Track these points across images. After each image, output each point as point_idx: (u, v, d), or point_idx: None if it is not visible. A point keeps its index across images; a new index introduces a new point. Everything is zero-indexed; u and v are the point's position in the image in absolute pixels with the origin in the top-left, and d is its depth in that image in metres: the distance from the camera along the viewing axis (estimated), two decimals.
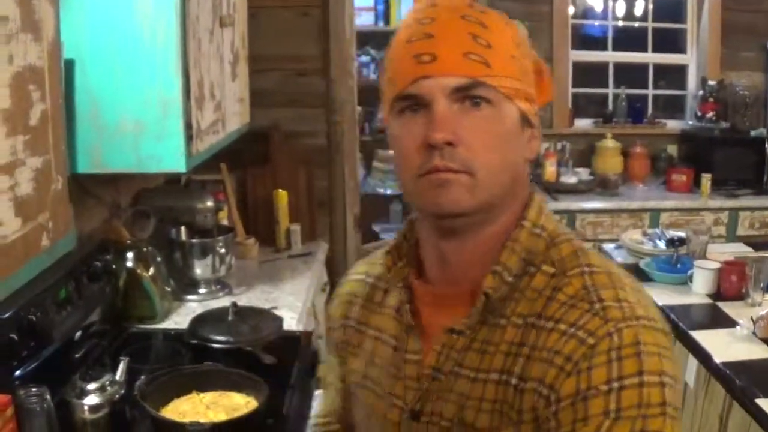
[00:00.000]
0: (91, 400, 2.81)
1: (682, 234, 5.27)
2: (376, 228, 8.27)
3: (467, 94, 1.57)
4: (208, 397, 2.97)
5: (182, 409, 2.90)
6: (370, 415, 1.84)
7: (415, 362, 1.72)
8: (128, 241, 3.82)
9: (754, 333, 3.84)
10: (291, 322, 3.84)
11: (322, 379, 2.17)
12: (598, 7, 7.72)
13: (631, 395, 1.43)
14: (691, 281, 4.55)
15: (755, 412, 3.25)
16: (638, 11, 7.76)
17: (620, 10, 7.77)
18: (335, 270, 5.67)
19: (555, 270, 1.61)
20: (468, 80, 1.56)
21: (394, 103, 1.67)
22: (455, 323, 1.64)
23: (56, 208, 2.20)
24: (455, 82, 1.56)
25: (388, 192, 8.30)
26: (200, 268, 4.24)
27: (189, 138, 3.22)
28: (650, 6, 7.78)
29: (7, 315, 2.79)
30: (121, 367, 2.98)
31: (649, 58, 7.90)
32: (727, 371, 3.55)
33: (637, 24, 7.82)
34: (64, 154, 2.30)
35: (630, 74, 7.95)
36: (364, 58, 7.92)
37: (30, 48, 2.04)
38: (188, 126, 3.21)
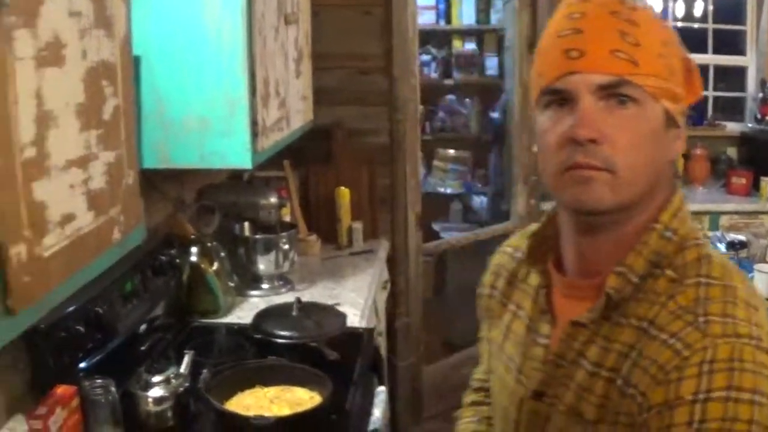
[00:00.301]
0: (156, 392, 2.85)
1: (742, 237, 5.21)
2: (436, 227, 8.25)
3: (613, 92, 1.58)
4: (272, 391, 2.99)
5: (246, 402, 2.92)
6: (501, 385, 1.91)
7: (543, 346, 1.79)
8: (193, 236, 3.86)
9: None
10: (353, 319, 3.86)
11: (481, 339, 2.18)
12: (658, 8, 7.66)
13: (717, 408, 1.42)
14: None
15: None
16: (698, 12, 7.69)
17: (680, 10, 7.71)
18: (396, 268, 5.68)
19: (676, 276, 1.60)
20: (614, 78, 1.57)
21: (541, 97, 1.68)
22: (581, 315, 1.68)
23: (127, 201, 2.23)
24: (601, 79, 1.57)
25: (449, 191, 8.29)
26: (263, 264, 4.26)
27: (254, 135, 3.25)
28: (710, 7, 7.71)
29: (74, 307, 2.83)
30: (186, 360, 3.02)
31: (709, 59, 7.82)
32: None
33: (696, 25, 7.75)
34: (135, 149, 2.32)
35: None
36: (425, 57, 7.91)
37: (103, 44, 2.07)
38: (254, 123, 3.24)
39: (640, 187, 1.62)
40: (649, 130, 1.60)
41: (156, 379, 2.86)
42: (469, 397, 2.31)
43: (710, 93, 7.86)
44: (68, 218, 1.87)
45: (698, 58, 7.77)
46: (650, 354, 1.52)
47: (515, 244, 2.05)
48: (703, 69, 7.80)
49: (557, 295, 1.82)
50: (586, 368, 1.65)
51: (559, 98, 1.63)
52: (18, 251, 1.64)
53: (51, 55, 1.77)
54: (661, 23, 1.68)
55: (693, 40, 7.79)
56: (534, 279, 1.89)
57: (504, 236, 6.67)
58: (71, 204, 1.89)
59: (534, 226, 1.93)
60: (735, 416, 1.41)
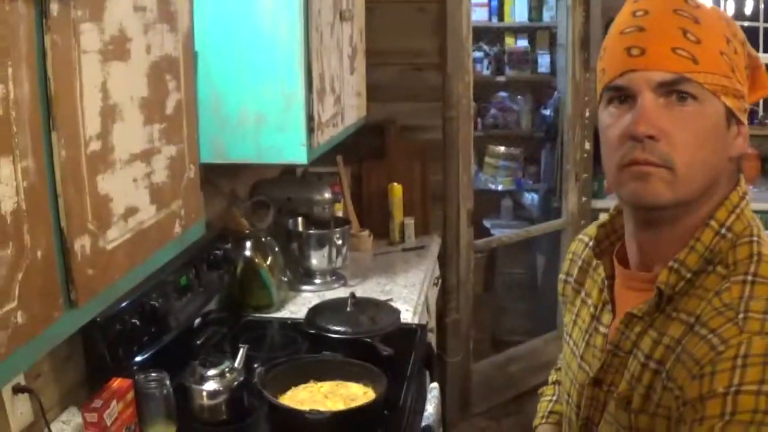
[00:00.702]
0: (210, 386, 2.86)
1: None
2: (487, 224, 8.24)
3: (673, 89, 1.60)
4: (326, 386, 3.00)
5: (300, 397, 2.93)
6: (566, 369, 2.01)
7: (603, 334, 1.85)
8: (247, 231, 3.87)
9: None
10: (406, 315, 3.85)
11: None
12: (708, 4, 7.57)
13: (748, 401, 1.43)
14: None
15: None
16: (748, 10, 7.61)
17: (730, 9, 7.63)
18: (447, 264, 5.67)
19: (726, 273, 1.62)
20: (674, 76, 1.59)
21: (603, 93, 1.73)
22: (635, 308, 1.72)
23: (188, 196, 2.24)
24: (661, 77, 1.59)
25: (500, 188, 8.26)
26: (316, 259, 4.27)
27: (310, 130, 3.25)
28: (761, 5, 7.62)
29: (130, 301, 2.85)
30: (241, 354, 3.03)
31: (762, 58, 7.72)
32: None
33: (746, 23, 7.67)
34: (197, 143, 2.34)
35: None
36: (478, 54, 7.89)
37: (166, 38, 2.08)
38: (310, 118, 3.24)
39: (698, 184, 1.64)
40: (708, 128, 1.62)
41: (210, 372, 2.87)
42: (553, 376, 2.43)
43: None
44: (131, 211, 1.89)
45: None
46: (690, 349, 1.55)
47: (591, 234, 2.07)
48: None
49: (619, 287, 1.86)
50: (639, 359, 1.69)
51: (621, 95, 1.66)
52: (82, 244, 1.65)
53: (116, 49, 1.79)
54: (725, 21, 1.69)
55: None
56: (601, 270, 1.94)
57: (555, 234, 6.69)
58: (134, 197, 1.91)
59: (604, 218, 1.97)
60: (767, 409, 1.42)
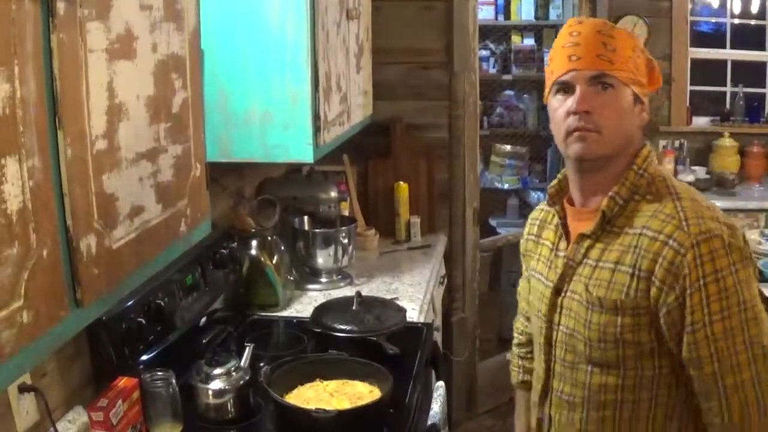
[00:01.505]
0: (216, 385, 2.86)
1: None
2: (493, 222, 8.23)
3: (598, 81, 2.33)
4: (332, 385, 3.00)
5: (306, 396, 2.93)
6: (535, 294, 2.64)
7: (562, 256, 2.52)
8: (253, 230, 3.87)
9: None
10: (412, 314, 3.86)
11: (518, 292, 2.96)
12: (715, 3, 7.58)
13: (713, 287, 2.17)
14: None
15: None
16: (754, 9, 7.59)
17: (737, 7, 7.61)
18: (453, 263, 5.67)
19: (653, 198, 2.35)
20: (599, 72, 2.32)
21: (552, 87, 2.42)
22: (585, 229, 2.43)
23: (194, 195, 2.24)
24: (591, 73, 2.33)
25: (506, 186, 8.26)
26: (322, 258, 4.27)
27: (317, 129, 3.26)
28: (767, 4, 7.61)
29: (135, 300, 2.85)
30: (247, 353, 3.03)
31: (766, 56, 7.70)
32: None
33: (753, 22, 7.65)
34: (203, 142, 2.33)
35: (748, 72, 7.75)
36: (484, 52, 7.89)
37: (172, 37, 2.08)
38: (316, 117, 3.25)
39: (618, 143, 2.37)
40: (623, 106, 2.36)
41: (216, 371, 2.88)
42: (516, 339, 3.07)
43: (767, 90, 7.76)
44: (137, 210, 1.89)
45: (754, 54, 7.67)
46: (655, 250, 2.24)
47: (543, 205, 2.77)
48: (759, 66, 7.73)
49: (570, 221, 2.56)
50: (590, 264, 2.40)
51: (565, 87, 2.38)
52: (88, 243, 1.65)
53: (122, 47, 1.79)
54: (632, 38, 2.43)
55: (749, 36, 7.72)
56: (555, 220, 2.62)
57: None
58: (140, 196, 1.91)
59: (553, 182, 2.63)
60: (725, 287, 2.17)
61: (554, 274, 2.52)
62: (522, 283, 2.88)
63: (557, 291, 2.49)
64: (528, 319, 2.86)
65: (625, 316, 2.27)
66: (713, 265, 2.17)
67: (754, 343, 2.17)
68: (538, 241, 2.70)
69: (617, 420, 2.36)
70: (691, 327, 2.18)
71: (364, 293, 3.64)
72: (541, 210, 2.77)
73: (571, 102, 2.34)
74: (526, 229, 2.81)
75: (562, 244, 2.54)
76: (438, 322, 4.87)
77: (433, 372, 3.68)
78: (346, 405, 2.84)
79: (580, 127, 2.32)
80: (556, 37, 2.49)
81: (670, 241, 2.20)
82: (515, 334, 3.03)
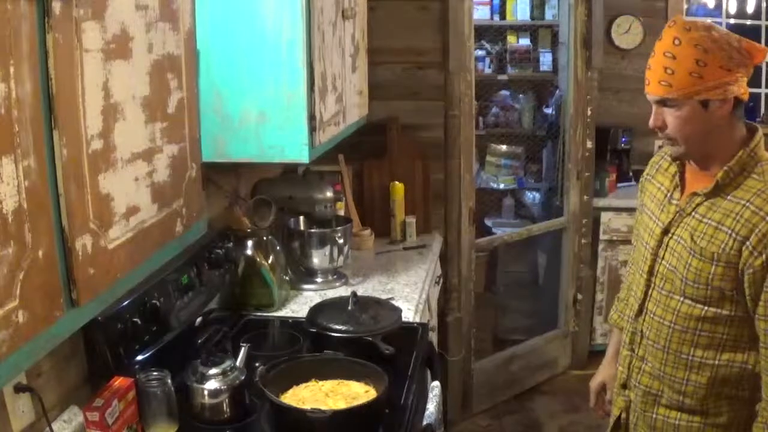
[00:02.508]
0: (212, 385, 2.86)
1: None
2: (488, 222, 8.24)
3: (662, 103, 2.78)
4: (328, 385, 3.00)
5: (302, 396, 2.93)
6: (645, 228, 3.10)
7: (675, 204, 2.96)
8: (248, 230, 3.87)
9: None
10: (407, 314, 3.85)
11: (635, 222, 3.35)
12: (711, 3, 7.58)
13: None
14: None
15: None
16: (750, 8, 7.59)
17: (732, 6, 7.60)
18: (448, 263, 5.67)
19: (759, 178, 2.74)
20: (660, 97, 2.77)
21: None
22: (699, 189, 2.85)
23: (190, 195, 2.24)
24: (655, 98, 2.80)
25: (501, 186, 8.26)
26: (318, 258, 4.27)
27: (312, 129, 3.25)
28: (763, 3, 7.59)
29: (131, 300, 2.85)
30: (242, 353, 3.03)
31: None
32: None
33: (749, 22, 7.65)
34: (199, 142, 2.34)
35: None
36: (479, 52, 7.88)
37: (168, 37, 2.08)
38: (312, 117, 3.25)
39: (697, 144, 2.82)
40: (689, 117, 2.75)
41: (212, 371, 2.87)
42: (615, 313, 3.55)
43: (763, 90, 7.77)
44: (133, 210, 1.89)
45: None
46: (754, 221, 2.65)
47: (666, 151, 3.13)
48: (756, 66, 7.65)
49: (688, 176, 2.98)
50: (696, 218, 2.84)
51: None
52: (84, 243, 1.65)
53: (118, 47, 1.79)
54: (698, 49, 2.69)
55: (745, 36, 7.66)
56: (672, 169, 3.04)
57: (556, 233, 6.69)
58: (136, 196, 1.91)
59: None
60: None
61: (665, 216, 2.98)
62: (637, 217, 3.31)
63: (666, 231, 2.96)
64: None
65: (719, 266, 2.74)
66: None
67: None
68: (652, 182, 3.18)
69: (694, 343, 2.87)
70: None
71: (359, 293, 3.63)
72: (662, 156, 3.21)
73: (651, 117, 2.87)
74: (647, 170, 3.29)
75: (676, 194, 2.99)
76: (434, 322, 4.87)
77: (429, 372, 3.68)
78: (341, 405, 2.84)
79: (662, 137, 2.89)
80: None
81: (761, 212, 2.65)
82: (624, 286, 3.50)
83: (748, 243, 2.67)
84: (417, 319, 3.94)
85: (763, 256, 2.64)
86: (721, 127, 2.79)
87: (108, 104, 1.74)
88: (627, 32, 7.22)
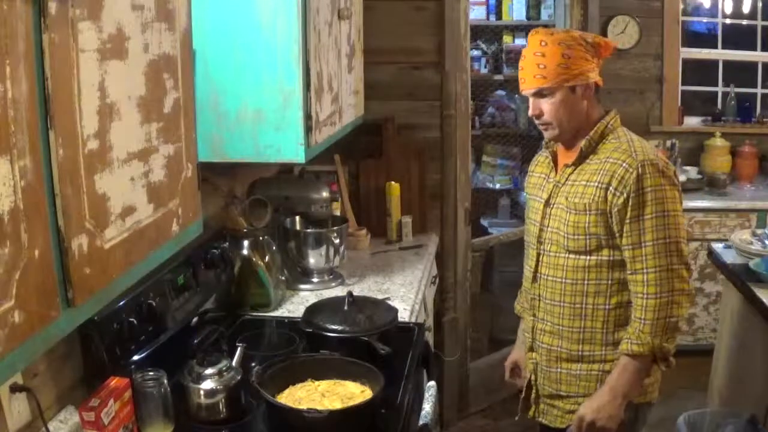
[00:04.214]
0: (208, 384, 2.86)
1: None
2: (484, 222, 8.24)
3: (539, 93, 3.29)
4: (323, 385, 3.00)
5: (298, 396, 2.93)
6: (532, 209, 3.55)
7: (552, 181, 3.44)
8: (244, 230, 3.87)
9: None
10: (403, 314, 3.85)
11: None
12: (707, 3, 7.58)
13: (650, 195, 3.15)
14: None
15: None
16: (746, 9, 7.59)
17: (728, 7, 7.60)
18: (444, 263, 5.67)
19: (615, 140, 3.30)
20: (536, 89, 3.28)
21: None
22: (568, 161, 3.37)
23: (186, 195, 2.24)
24: (532, 90, 3.30)
25: (497, 186, 8.26)
26: (314, 258, 4.28)
27: (308, 129, 3.26)
28: (759, 3, 7.59)
29: (127, 300, 2.85)
30: (238, 353, 3.03)
31: (758, 56, 7.70)
32: None
33: (745, 22, 7.66)
34: (195, 142, 2.34)
35: (739, 72, 7.78)
36: (475, 52, 7.87)
37: (164, 37, 2.08)
38: (308, 117, 3.25)
39: (570, 124, 3.33)
40: (562, 102, 3.27)
41: (208, 371, 2.88)
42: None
43: (759, 90, 7.78)
44: (129, 210, 1.89)
45: (745, 54, 7.69)
46: (613, 169, 3.19)
47: (540, 153, 3.68)
48: (751, 66, 7.76)
49: (559, 158, 3.48)
50: (569, 184, 3.33)
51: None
52: (80, 243, 1.65)
53: (114, 47, 1.79)
54: (563, 45, 3.24)
55: (741, 36, 7.72)
56: (545, 158, 3.58)
57: None
58: (132, 196, 1.91)
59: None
60: (655, 197, 3.16)
61: (545, 192, 3.45)
62: (526, 210, 3.71)
63: (547, 203, 3.43)
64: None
65: (591, 215, 3.24)
66: (650, 181, 3.15)
67: (671, 241, 3.17)
68: (532, 175, 3.65)
69: (584, 293, 3.31)
70: (629, 219, 3.17)
71: (355, 293, 3.63)
72: (538, 155, 3.70)
73: (529, 108, 3.39)
74: (529, 169, 3.74)
75: (552, 174, 3.48)
76: (430, 322, 4.87)
77: (425, 372, 3.68)
78: (337, 405, 2.84)
79: (539, 124, 3.39)
80: None
81: (624, 164, 3.19)
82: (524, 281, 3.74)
83: (611, 187, 3.19)
84: (413, 319, 3.94)
85: (624, 194, 3.16)
86: (585, 108, 3.34)
87: (104, 104, 1.74)
88: (623, 32, 7.24)
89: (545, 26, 7.78)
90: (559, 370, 3.44)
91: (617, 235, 3.22)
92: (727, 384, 5.00)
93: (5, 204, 1.37)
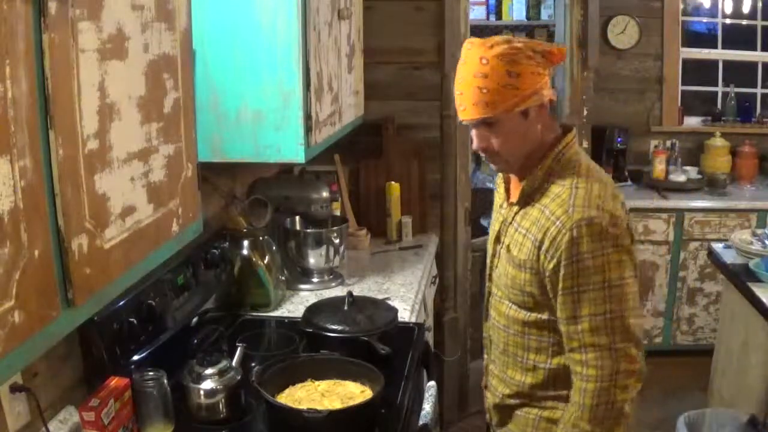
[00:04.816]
0: (208, 384, 2.86)
1: None
2: (484, 222, 8.21)
3: (482, 123, 2.75)
4: (323, 385, 3.00)
5: (298, 396, 2.93)
6: (490, 235, 3.15)
7: (503, 214, 3.02)
8: (244, 230, 3.87)
9: None
10: (403, 314, 3.85)
11: None
12: (707, 3, 7.58)
13: (584, 264, 2.63)
14: None
15: None
16: (746, 9, 7.58)
17: (728, 7, 7.59)
18: (444, 263, 5.67)
19: (560, 182, 2.76)
20: (479, 119, 2.73)
21: None
22: (516, 199, 2.90)
23: (186, 195, 2.24)
24: (474, 121, 2.75)
25: None
26: (314, 258, 4.28)
27: (308, 129, 3.26)
28: (759, 3, 7.59)
29: (127, 300, 2.85)
30: (238, 353, 3.03)
31: (758, 56, 7.69)
32: None
33: (745, 22, 7.65)
34: (195, 142, 2.34)
35: (739, 72, 7.77)
36: None
37: (164, 37, 2.08)
38: (308, 117, 3.25)
39: (521, 153, 2.82)
40: (510, 129, 2.75)
41: (208, 371, 2.88)
42: None
43: (759, 90, 7.78)
44: (129, 210, 1.89)
45: (745, 54, 7.68)
46: (547, 225, 2.70)
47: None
48: (751, 66, 7.75)
49: (511, 188, 3.02)
50: (514, 226, 2.90)
51: None
52: (80, 243, 1.65)
53: (114, 47, 1.79)
54: (504, 61, 2.66)
55: (741, 36, 7.71)
56: (502, 189, 3.09)
57: None
58: (132, 196, 1.91)
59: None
60: (593, 265, 2.63)
61: (497, 225, 3.07)
62: None
63: (497, 239, 3.04)
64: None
65: (526, 272, 2.81)
66: (586, 246, 2.62)
67: (614, 316, 2.65)
68: (496, 191, 3.24)
69: (526, 347, 2.92)
70: (562, 291, 2.68)
71: (355, 293, 3.63)
72: (498, 183, 3.27)
73: (473, 140, 2.86)
74: (496, 182, 3.35)
75: (505, 204, 3.03)
76: (429, 322, 4.87)
77: (425, 372, 3.68)
78: (337, 405, 2.84)
79: (485, 157, 2.90)
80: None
81: (557, 222, 2.67)
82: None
83: (543, 247, 2.71)
84: (413, 319, 3.95)
85: (555, 259, 2.67)
86: (539, 133, 2.82)
87: (104, 104, 1.74)
88: (623, 32, 7.24)
89: (545, 27, 7.82)
90: (506, 411, 3.09)
91: (552, 301, 2.76)
92: (727, 384, 5.00)
93: (5, 204, 1.37)
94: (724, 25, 7.66)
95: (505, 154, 2.81)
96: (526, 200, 2.84)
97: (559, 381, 2.88)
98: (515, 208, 2.90)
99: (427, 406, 3.21)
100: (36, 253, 1.47)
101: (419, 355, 3.50)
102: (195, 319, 3.40)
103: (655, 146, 7.38)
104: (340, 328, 3.34)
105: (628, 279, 2.69)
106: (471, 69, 2.69)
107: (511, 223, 2.92)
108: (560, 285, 2.68)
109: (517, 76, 2.66)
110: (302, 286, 4.28)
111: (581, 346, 2.69)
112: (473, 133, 2.82)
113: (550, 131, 2.85)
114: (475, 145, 2.83)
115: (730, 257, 5.09)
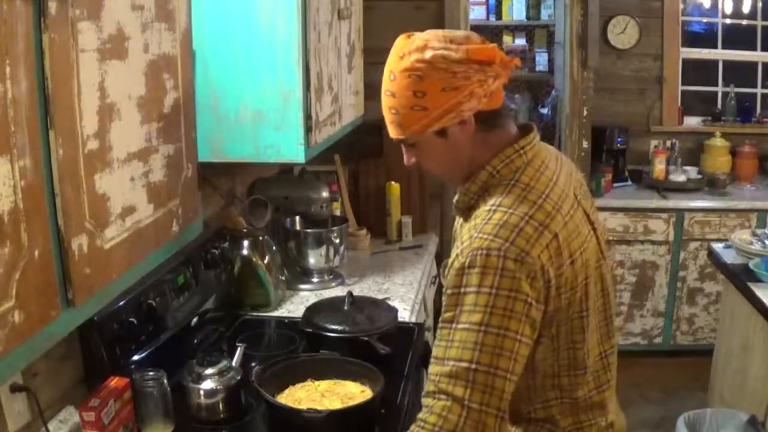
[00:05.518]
0: (207, 385, 2.86)
1: None
2: None
3: (403, 143, 2.50)
4: (323, 385, 3.00)
5: (298, 396, 2.93)
6: None
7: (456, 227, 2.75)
8: (244, 230, 3.87)
9: None
10: (403, 314, 3.85)
11: None
12: (706, 3, 7.58)
13: (468, 299, 2.21)
14: None
15: None
16: (746, 9, 7.58)
17: (728, 7, 7.59)
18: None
19: (487, 202, 2.37)
20: (397, 139, 2.49)
21: None
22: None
23: (186, 195, 2.24)
24: (396, 140, 2.49)
25: None
26: (314, 258, 4.27)
27: (308, 129, 3.26)
28: (759, 3, 7.59)
29: (127, 300, 2.85)
30: (238, 353, 3.03)
31: (758, 56, 7.69)
32: None
33: (745, 22, 7.65)
34: (195, 142, 2.34)
35: (739, 72, 7.77)
36: None
37: (164, 37, 2.08)
38: (308, 117, 3.25)
39: (450, 169, 2.51)
40: (427, 150, 2.47)
41: (208, 371, 2.88)
42: None
43: (759, 90, 7.78)
44: (129, 210, 1.89)
45: (745, 54, 7.67)
46: (454, 248, 2.37)
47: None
48: (751, 66, 7.74)
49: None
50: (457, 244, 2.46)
51: None
52: (80, 243, 1.65)
53: (114, 47, 1.79)
54: (413, 78, 2.33)
55: (741, 36, 7.71)
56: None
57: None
58: (132, 196, 1.91)
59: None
60: (477, 302, 2.20)
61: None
62: None
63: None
64: None
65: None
66: (476, 278, 2.21)
67: (478, 368, 2.16)
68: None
69: None
70: (441, 323, 2.31)
71: (355, 293, 3.63)
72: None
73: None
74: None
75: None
76: (429, 322, 4.86)
77: (425, 372, 3.67)
78: (337, 405, 2.84)
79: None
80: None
81: (461, 246, 2.30)
82: None
83: (445, 270, 2.43)
84: (413, 319, 3.94)
85: (448, 291, 2.28)
86: (468, 150, 2.45)
87: (104, 104, 1.74)
88: (623, 32, 7.23)
89: (545, 26, 7.83)
90: None
91: None
92: (727, 384, 5.00)
93: (5, 204, 1.37)
94: (724, 25, 7.65)
95: (435, 171, 2.60)
96: (464, 215, 2.51)
97: (518, 401, 2.53)
98: (460, 221, 2.62)
99: None
100: (36, 253, 1.47)
101: (419, 355, 3.49)
102: (195, 319, 3.40)
103: (655, 146, 7.37)
104: (340, 328, 3.33)
105: (511, 334, 2.20)
106: (384, 85, 2.45)
107: (455, 239, 2.63)
108: (441, 315, 2.31)
109: (422, 96, 2.32)
110: (302, 286, 4.28)
111: (436, 391, 2.21)
112: (403, 148, 2.56)
113: (483, 147, 2.44)
114: (405, 161, 2.59)
115: (730, 257, 5.08)
